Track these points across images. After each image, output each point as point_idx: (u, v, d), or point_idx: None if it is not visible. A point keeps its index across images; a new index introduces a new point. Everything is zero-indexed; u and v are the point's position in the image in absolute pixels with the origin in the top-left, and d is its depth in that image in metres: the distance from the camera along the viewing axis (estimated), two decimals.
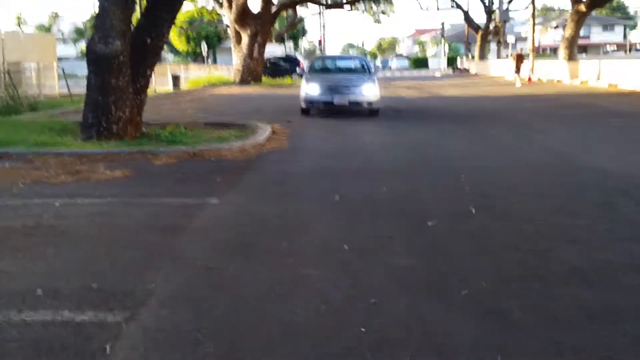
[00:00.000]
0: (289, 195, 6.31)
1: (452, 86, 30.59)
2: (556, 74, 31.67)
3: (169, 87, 29.74)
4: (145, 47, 10.91)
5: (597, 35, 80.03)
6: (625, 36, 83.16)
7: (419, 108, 18.07)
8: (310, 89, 14.86)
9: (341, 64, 18.39)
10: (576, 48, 35.32)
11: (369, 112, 15.00)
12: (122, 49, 10.29)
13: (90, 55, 10.33)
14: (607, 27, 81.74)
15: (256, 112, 16.03)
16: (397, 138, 11.10)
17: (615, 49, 79.55)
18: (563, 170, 7.68)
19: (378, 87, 15.00)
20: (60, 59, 29.83)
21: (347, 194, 6.23)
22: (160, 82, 30.57)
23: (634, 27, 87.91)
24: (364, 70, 16.57)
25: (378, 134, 11.79)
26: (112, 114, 10.25)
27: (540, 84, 29.52)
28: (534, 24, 36.87)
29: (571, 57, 33.74)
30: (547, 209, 5.67)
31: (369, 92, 14.69)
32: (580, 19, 34.09)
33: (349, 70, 17.36)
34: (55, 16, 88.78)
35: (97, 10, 10.63)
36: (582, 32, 61.41)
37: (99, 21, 10.42)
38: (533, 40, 36.76)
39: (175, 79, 30.41)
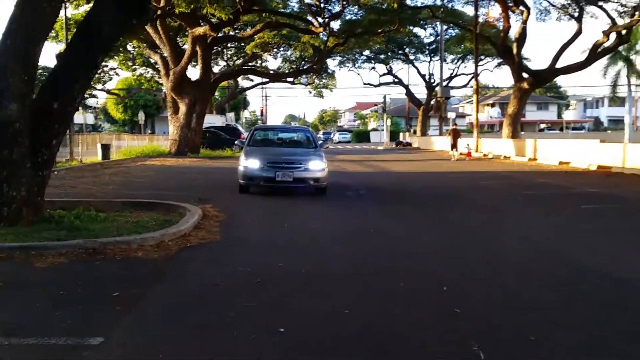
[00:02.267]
0: (210, 328, 4.32)
1: (397, 161, 29.62)
2: (502, 150, 31.27)
3: (97, 157, 27.56)
4: (51, 113, 9.01)
5: (532, 113, 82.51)
6: (559, 115, 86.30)
7: (369, 185, 16.59)
8: (249, 164, 13.12)
9: (284, 135, 16.80)
10: (519, 125, 35.42)
11: (315, 190, 13.37)
12: (19, 115, 8.39)
13: None
14: (542, 105, 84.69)
15: (189, 188, 14.16)
16: (351, 225, 9.42)
17: (550, 126, 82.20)
18: (565, 277, 6.08)
19: (325, 162, 13.42)
20: None
21: (294, 323, 4.42)
22: (89, 152, 28.41)
23: (567, 106, 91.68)
24: (310, 143, 15.02)
25: (328, 219, 10.09)
26: (3, 194, 8.24)
27: (487, 160, 28.90)
28: (477, 101, 36.99)
29: (514, 134, 33.68)
30: (581, 344, 4.02)
31: (315, 167, 13.07)
32: (523, 96, 34.30)
33: (293, 143, 15.79)
34: None
35: None
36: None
37: None
38: (477, 117, 36.80)
39: (105, 149, 28.24)
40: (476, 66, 36.54)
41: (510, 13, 33.46)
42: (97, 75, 46.26)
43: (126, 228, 8.27)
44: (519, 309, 4.92)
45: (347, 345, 4.02)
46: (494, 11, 41.97)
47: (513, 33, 33.82)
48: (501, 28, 35.32)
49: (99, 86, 52.33)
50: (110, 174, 18.99)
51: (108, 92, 61.35)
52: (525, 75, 33.66)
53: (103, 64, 43.26)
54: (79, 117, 75.65)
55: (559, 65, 33.27)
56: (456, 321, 4.55)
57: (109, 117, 78.12)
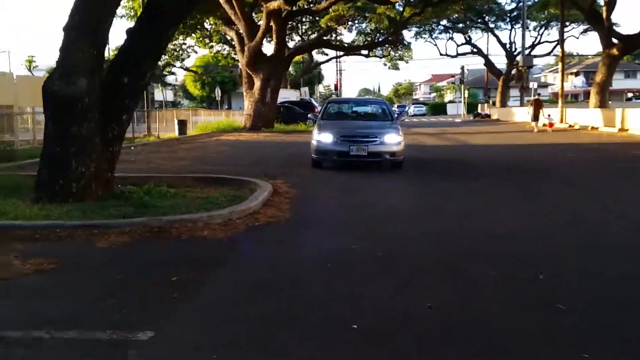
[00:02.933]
0: (274, 322, 3.80)
1: (476, 133, 28.33)
2: (589, 121, 29.29)
3: (174, 133, 27.91)
4: (121, 88, 8.82)
5: (619, 81, 77.62)
6: None
7: (447, 159, 15.74)
8: (322, 138, 12.62)
9: (359, 108, 16.13)
10: (608, 94, 33.12)
11: (391, 165, 12.72)
12: (88, 89, 8.21)
13: (47, 97, 8.26)
14: (630, 73, 79.55)
15: (261, 163, 13.87)
16: (430, 203, 8.75)
17: (638, 95, 77.20)
18: None
19: (402, 135, 12.71)
20: None
21: (369, 319, 3.87)
22: (167, 128, 28.82)
23: None
24: (386, 116, 14.30)
25: (405, 196, 9.44)
26: (72, 170, 8.11)
27: (573, 132, 27.14)
28: (562, 69, 34.76)
29: (603, 104, 31.54)
30: None
31: (391, 141, 12.39)
32: (612, 63, 32.00)
33: (368, 116, 15.12)
34: None
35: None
36: None
37: (61, 56, 8.38)
38: (562, 86, 34.61)
39: (182, 124, 28.55)
40: (562, 32, 34.28)
41: None
42: (175, 53, 47.08)
43: (195, 204, 7.98)
44: (633, 303, 4.17)
45: (431, 351, 3.44)
46: None
47: None
48: None
49: (178, 64, 53.35)
50: (185, 149, 19.04)
51: (186, 69, 62.54)
52: (614, 41, 31.35)
53: (181, 41, 43.93)
54: (158, 94, 77.97)
55: None
56: (561, 320, 3.86)
57: (187, 94, 79.87)
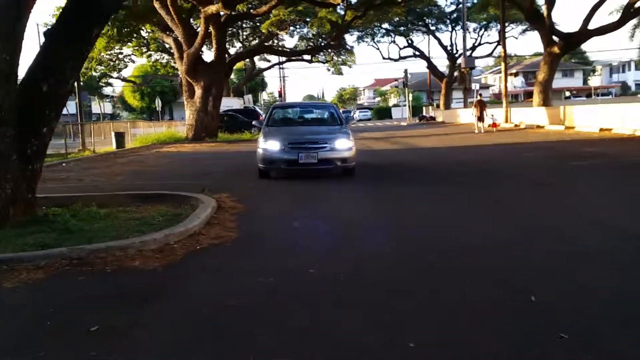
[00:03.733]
0: None
1: (425, 136, 28.08)
2: (533, 120, 29.49)
3: (112, 146, 26.52)
4: (41, 97, 7.80)
5: (557, 80, 79.88)
6: (585, 82, 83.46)
7: (400, 164, 15.19)
8: (269, 146, 11.80)
9: (306, 113, 15.37)
10: (550, 92, 33.57)
11: (342, 172, 12.04)
12: (1, 100, 7.18)
13: None
14: (567, 72, 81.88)
15: (204, 176, 12.95)
16: (388, 212, 8.08)
17: (576, 93, 79.55)
18: None
19: (353, 140, 12.04)
20: None
21: None
22: (104, 142, 27.39)
23: (592, 72, 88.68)
24: (335, 121, 13.58)
25: (361, 206, 8.73)
26: None
27: (520, 131, 27.21)
28: (505, 68, 35.03)
29: (546, 102, 31.90)
30: None
31: (342, 147, 11.69)
32: (553, 62, 32.44)
33: (316, 121, 14.37)
34: None
35: None
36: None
37: None
38: (505, 85, 34.88)
39: (120, 137, 27.16)
40: (503, 30, 34.55)
41: None
42: (112, 63, 45.27)
43: (127, 227, 7.07)
44: None
45: None
46: None
47: None
48: None
49: (115, 74, 51.40)
50: (122, 163, 17.86)
51: (124, 79, 60.48)
52: (555, 39, 31.75)
53: (117, 50, 42.20)
54: (96, 107, 75.40)
55: (590, 27, 31.28)
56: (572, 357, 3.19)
57: (126, 106, 77.43)
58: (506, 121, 32.22)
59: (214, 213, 7.78)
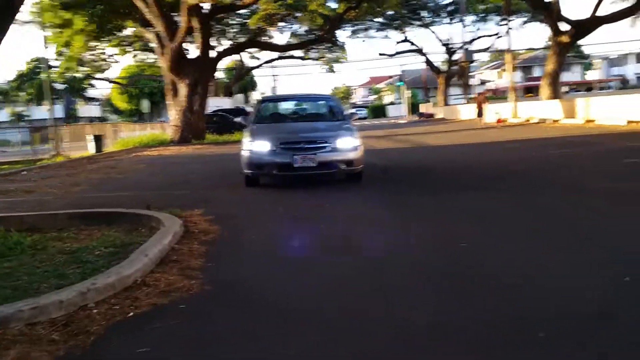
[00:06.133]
0: None
1: (429, 133, 25.86)
2: (545, 113, 27.30)
3: (90, 150, 24.30)
4: None
5: None
6: (582, 76, 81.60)
7: (410, 166, 12.92)
8: (256, 147, 9.53)
9: (301, 107, 13.09)
10: (559, 84, 31.48)
11: (347, 177, 9.84)
12: None
13: None
14: (565, 67, 79.83)
15: (181, 185, 10.81)
16: (417, 236, 5.77)
17: (575, 88, 77.63)
18: None
19: (359, 138, 9.78)
20: None
21: None
22: (84, 146, 25.14)
23: (589, 66, 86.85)
24: (335, 115, 11.21)
25: (378, 226, 6.44)
26: None
27: (533, 126, 25.00)
28: (511, 59, 32.85)
29: (555, 94, 29.80)
30: None
31: (346, 146, 9.43)
32: (562, 51, 30.36)
33: (313, 117, 11.97)
34: None
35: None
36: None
37: None
38: (512, 78, 32.72)
39: (98, 141, 24.91)
40: (508, 16, 32.21)
41: None
42: (95, 63, 42.85)
43: (48, 269, 4.87)
44: None
45: None
46: None
47: None
48: None
49: (98, 75, 48.99)
50: (91, 170, 15.58)
51: (110, 81, 58.10)
52: (563, 28, 29.68)
53: (99, 50, 39.71)
54: (85, 110, 73.01)
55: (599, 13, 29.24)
56: None
57: (115, 109, 74.86)
58: (514, 116, 30.07)
59: (175, 242, 5.54)
